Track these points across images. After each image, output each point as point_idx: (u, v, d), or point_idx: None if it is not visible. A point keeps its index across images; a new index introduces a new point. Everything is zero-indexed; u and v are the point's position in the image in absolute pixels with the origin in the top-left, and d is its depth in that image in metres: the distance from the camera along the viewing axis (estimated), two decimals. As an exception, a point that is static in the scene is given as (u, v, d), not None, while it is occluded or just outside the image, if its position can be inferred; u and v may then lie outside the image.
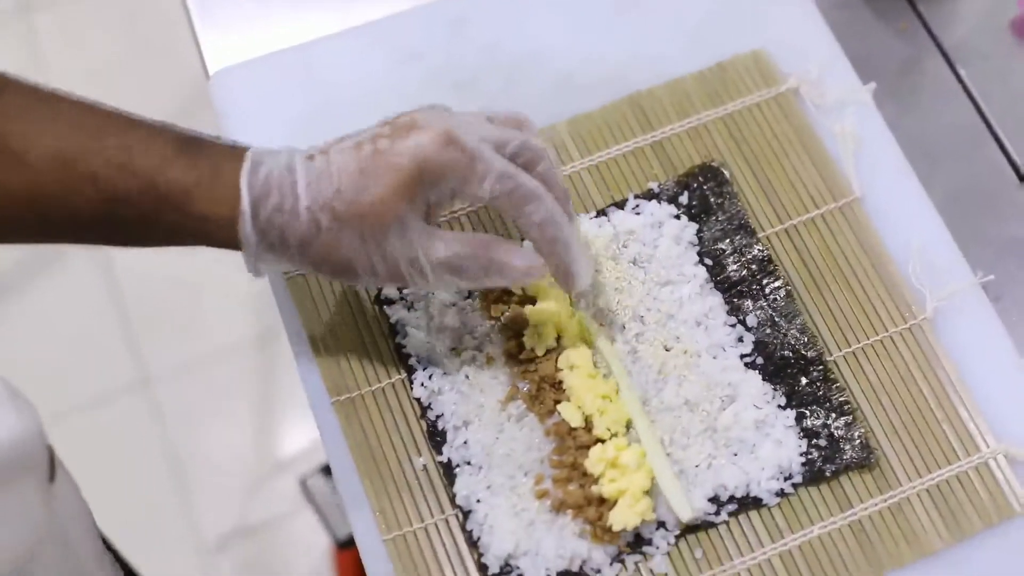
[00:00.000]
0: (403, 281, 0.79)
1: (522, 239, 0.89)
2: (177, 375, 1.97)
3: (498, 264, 0.79)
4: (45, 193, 0.75)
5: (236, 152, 0.78)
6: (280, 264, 0.80)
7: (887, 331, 0.89)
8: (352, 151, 0.78)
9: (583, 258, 0.82)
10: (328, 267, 0.79)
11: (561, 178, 0.83)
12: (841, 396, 0.86)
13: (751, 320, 0.88)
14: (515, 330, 0.87)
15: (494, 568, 0.82)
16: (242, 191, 0.76)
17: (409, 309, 0.89)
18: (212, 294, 2.02)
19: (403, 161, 0.76)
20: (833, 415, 0.85)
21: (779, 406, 0.86)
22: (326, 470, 1.71)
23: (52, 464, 0.71)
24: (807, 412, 0.86)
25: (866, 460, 0.84)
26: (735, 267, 0.90)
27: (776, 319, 0.88)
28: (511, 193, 0.78)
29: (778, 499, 0.84)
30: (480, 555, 0.82)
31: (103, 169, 0.75)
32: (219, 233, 0.77)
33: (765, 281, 0.90)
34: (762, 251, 0.91)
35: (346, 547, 1.64)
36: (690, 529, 0.83)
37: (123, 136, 0.76)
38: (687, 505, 0.82)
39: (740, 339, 0.88)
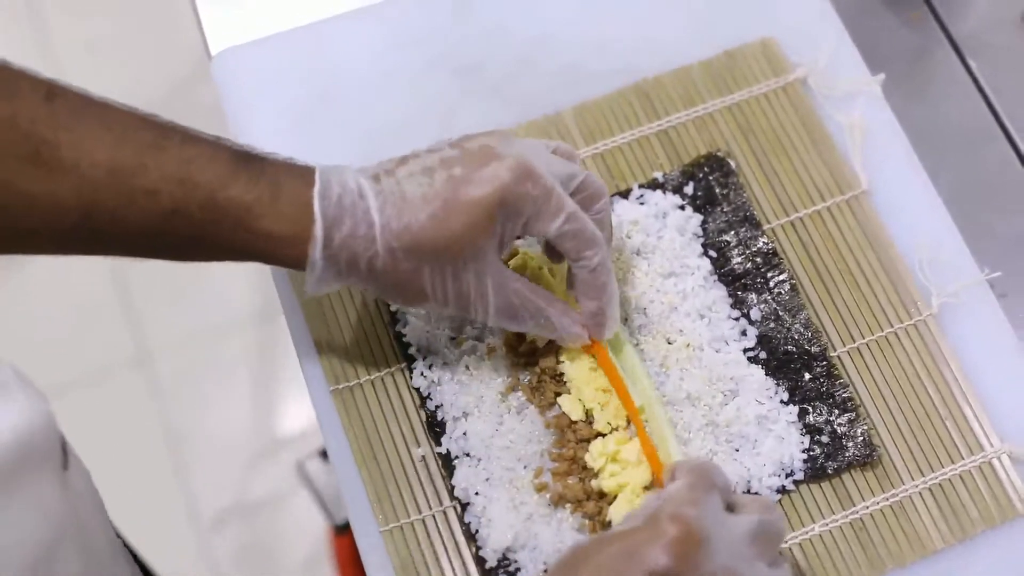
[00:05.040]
0: (466, 312, 0.78)
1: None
2: (178, 350, 1.96)
3: (550, 323, 0.80)
4: (99, 205, 0.72)
5: (297, 169, 0.75)
6: (339, 285, 0.78)
7: (892, 327, 0.88)
8: (423, 177, 0.75)
9: (616, 310, 0.82)
10: (398, 294, 0.78)
11: (611, 218, 0.83)
12: (844, 392, 0.85)
13: (755, 314, 0.88)
14: (516, 321, 0.86)
15: (491, 561, 0.81)
16: (315, 215, 0.74)
17: (410, 297, 0.88)
18: (213, 269, 2.01)
19: (484, 193, 0.74)
20: (836, 411, 0.85)
21: (782, 401, 0.85)
22: (324, 453, 1.70)
23: (65, 451, 0.70)
24: (810, 408, 0.85)
25: (868, 458, 0.83)
26: (739, 259, 0.89)
27: (780, 313, 0.88)
28: (577, 234, 0.77)
29: (779, 496, 0.83)
30: (478, 548, 0.82)
31: (162, 183, 0.72)
32: (282, 251, 0.75)
33: (770, 274, 0.89)
34: (767, 244, 0.90)
35: (344, 532, 1.63)
36: (690, 525, 0.82)
37: (181, 150, 0.73)
38: None
39: (743, 333, 0.87)
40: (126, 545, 0.94)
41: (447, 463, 0.84)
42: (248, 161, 0.75)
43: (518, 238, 0.80)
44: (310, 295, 0.78)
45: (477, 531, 0.82)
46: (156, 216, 0.73)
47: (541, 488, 0.82)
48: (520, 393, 0.85)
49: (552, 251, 0.85)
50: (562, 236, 0.77)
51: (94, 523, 0.75)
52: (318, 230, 0.74)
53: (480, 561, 0.81)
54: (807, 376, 0.86)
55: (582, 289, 0.80)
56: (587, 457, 0.82)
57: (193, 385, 1.95)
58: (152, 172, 0.72)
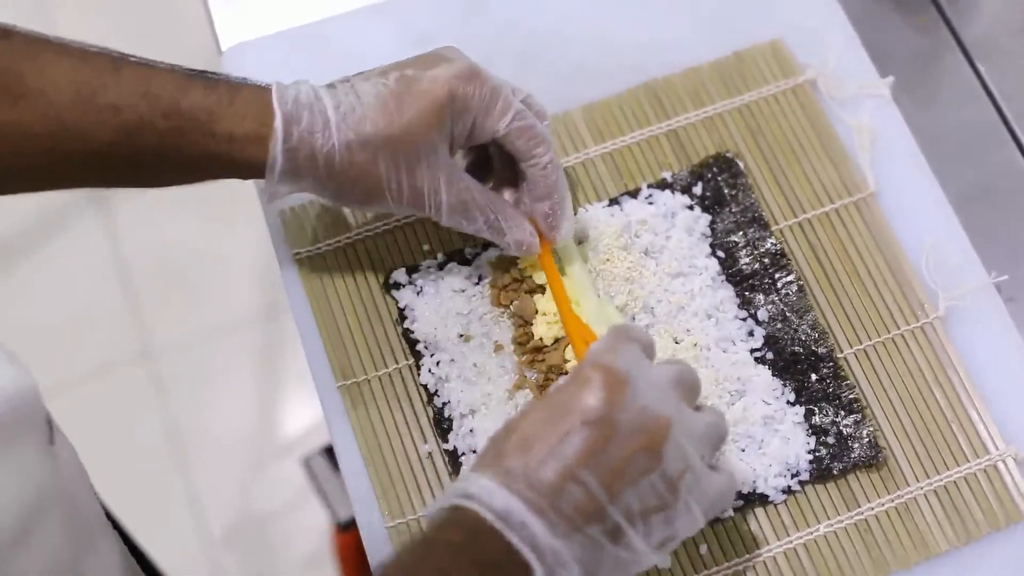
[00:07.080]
0: (421, 209, 0.81)
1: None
2: (181, 347, 1.96)
3: (500, 227, 0.83)
4: (65, 128, 0.76)
5: (252, 82, 0.80)
6: (298, 189, 0.81)
7: (899, 329, 0.88)
8: (378, 78, 0.80)
9: (570, 211, 0.85)
10: (354, 191, 0.80)
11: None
12: (851, 394, 0.85)
13: (762, 314, 0.88)
14: (524, 318, 0.86)
15: (497, 558, 0.81)
16: (275, 109, 0.77)
17: (418, 294, 0.88)
18: (218, 265, 2.01)
19: (435, 88, 0.79)
20: (842, 413, 0.85)
21: (788, 402, 0.85)
22: (329, 450, 1.70)
23: (51, 427, 0.71)
24: (816, 409, 0.85)
25: (874, 459, 0.84)
26: (747, 260, 0.90)
27: (787, 314, 0.88)
28: (526, 131, 0.81)
29: (784, 496, 0.83)
30: (483, 544, 0.82)
31: (124, 98, 0.77)
32: (243, 153, 0.78)
33: (777, 275, 0.89)
34: (775, 245, 0.90)
35: (347, 529, 1.63)
36: (695, 524, 0.82)
37: (139, 69, 0.78)
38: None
39: (751, 333, 0.87)
40: (115, 524, 0.95)
41: (454, 460, 0.84)
42: (202, 73, 0.79)
43: (475, 147, 0.86)
44: (269, 202, 0.83)
45: (483, 528, 0.82)
46: (121, 132, 0.77)
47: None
48: (527, 391, 0.85)
49: (504, 163, 0.86)
50: (511, 134, 0.81)
51: (81, 496, 0.76)
52: (278, 122, 0.77)
53: (485, 558, 0.81)
54: (814, 377, 0.86)
55: (533, 189, 0.84)
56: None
57: (197, 382, 1.95)
58: (113, 89, 0.77)
